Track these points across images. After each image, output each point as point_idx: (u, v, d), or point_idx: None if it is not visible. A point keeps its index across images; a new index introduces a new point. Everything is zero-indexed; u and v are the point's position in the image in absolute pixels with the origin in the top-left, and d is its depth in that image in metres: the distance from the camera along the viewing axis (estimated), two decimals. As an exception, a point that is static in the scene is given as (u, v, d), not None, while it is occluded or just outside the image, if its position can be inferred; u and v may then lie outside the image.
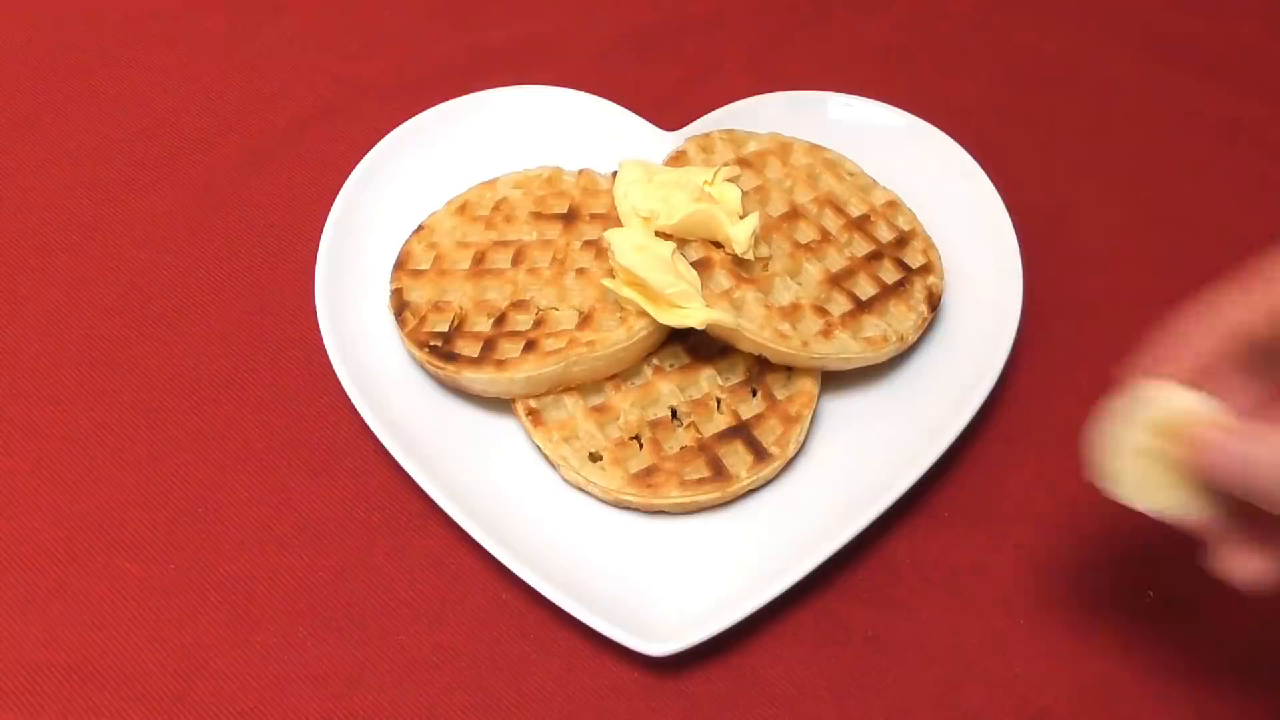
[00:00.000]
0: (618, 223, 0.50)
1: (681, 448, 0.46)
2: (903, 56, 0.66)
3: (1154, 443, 0.34)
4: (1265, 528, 0.31)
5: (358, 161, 0.55)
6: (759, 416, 0.47)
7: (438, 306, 0.49)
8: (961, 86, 0.64)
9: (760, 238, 0.49)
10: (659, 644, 0.40)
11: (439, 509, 0.44)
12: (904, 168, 0.55)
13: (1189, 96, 0.64)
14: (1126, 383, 0.35)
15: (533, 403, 0.47)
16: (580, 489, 0.46)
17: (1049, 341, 0.52)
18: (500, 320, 0.48)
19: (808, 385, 0.48)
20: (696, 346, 0.49)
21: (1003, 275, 0.52)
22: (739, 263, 0.48)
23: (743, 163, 0.54)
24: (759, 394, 0.48)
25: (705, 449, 0.46)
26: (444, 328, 0.48)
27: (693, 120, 0.57)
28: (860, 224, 0.52)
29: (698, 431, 0.46)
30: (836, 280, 0.50)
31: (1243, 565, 0.32)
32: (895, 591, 0.44)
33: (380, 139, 0.56)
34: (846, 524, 0.43)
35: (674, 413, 0.47)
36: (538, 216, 0.52)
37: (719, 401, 0.47)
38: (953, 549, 0.45)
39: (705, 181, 0.50)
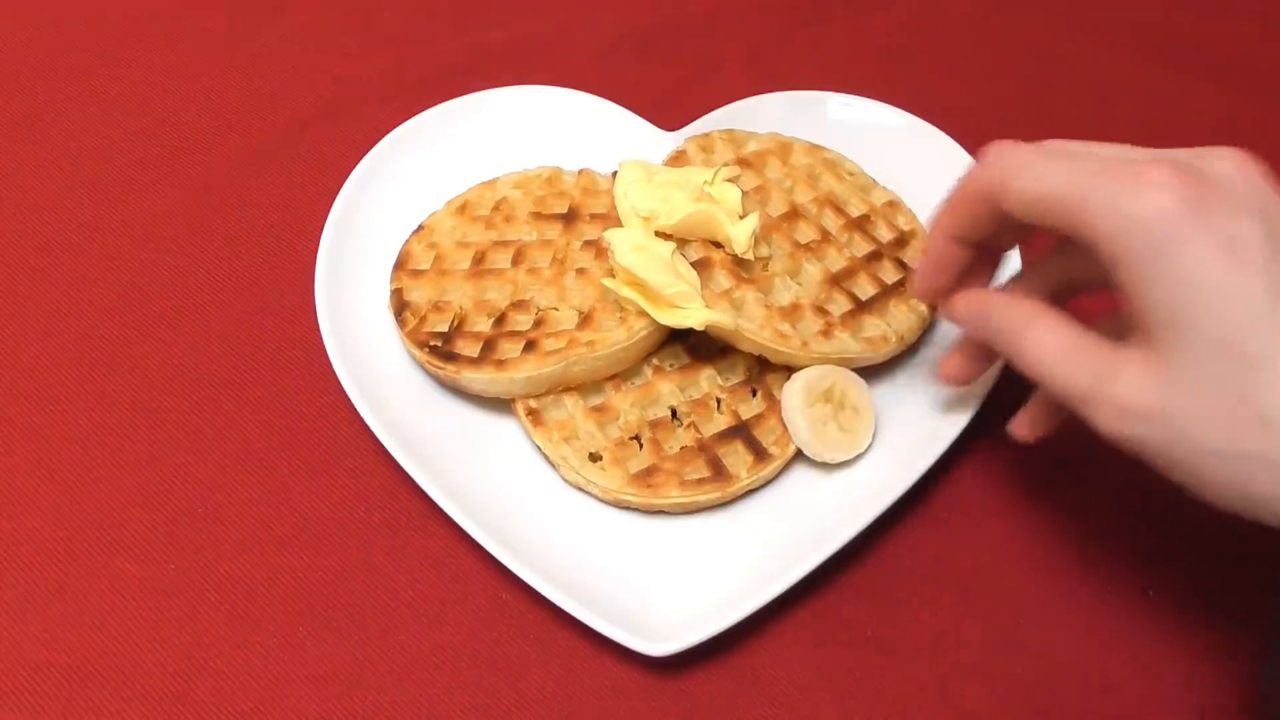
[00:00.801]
0: (618, 223, 0.50)
1: (681, 448, 0.46)
2: (903, 56, 0.66)
3: (817, 408, 0.44)
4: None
5: (358, 161, 0.55)
6: (759, 416, 0.47)
7: (438, 306, 0.49)
8: (961, 86, 0.64)
9: (760, 238, 0.49)
10: (659, 644, 0.40)
11: (439, 509, 0.44)
12: (904, 168, 0.55)
13: (1189, 96, 0.64)
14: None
15: (533, 403, 0.47)
16: (580, 489, 0.46)
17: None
18: (500, 320, 0.48)
19: (808, 385, 0.48)
20: (696, 346, 0.49)
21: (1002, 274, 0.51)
22: (739, 263, 0.48)
23: (743, 163, 0.54)
24: (759, 394, 0.48)
25: (705, 449, 0.46)
26: (444, 328, 0.48)
27: (693, 120, 0.57)
28: (860, 224, 0.52)
29: (698, 431, 0.46)
30: (836, 280, 0.50)
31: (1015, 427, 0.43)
32: (895, 591, 0.44)
33: (380, 139, 0.56)
34: (846, 524, 0.43)
35: (674, 413, 0.47)
36: (538, 216, 0.52)
37: (719, 401, 0.47)
38: (953, 549, 0.45)
39: (705, 181, 0.50)
